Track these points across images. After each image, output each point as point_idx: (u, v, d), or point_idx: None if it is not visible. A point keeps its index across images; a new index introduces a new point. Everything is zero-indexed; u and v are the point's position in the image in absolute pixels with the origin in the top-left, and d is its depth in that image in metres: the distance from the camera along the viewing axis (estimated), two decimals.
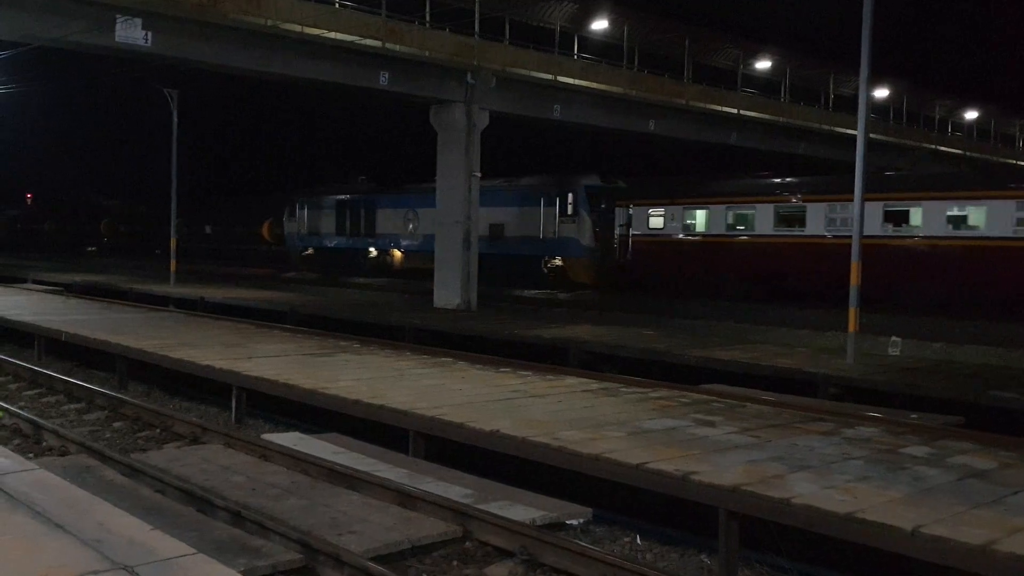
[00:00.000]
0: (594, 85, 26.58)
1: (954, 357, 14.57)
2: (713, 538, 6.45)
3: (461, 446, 8.33)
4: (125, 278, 31.71)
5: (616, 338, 15.55)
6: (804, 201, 24.96)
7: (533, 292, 29.00)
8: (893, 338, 15.20)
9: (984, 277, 21.27)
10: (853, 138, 13.84)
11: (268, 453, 8.30)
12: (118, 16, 18.06)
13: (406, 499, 6.86)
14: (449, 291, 23.30)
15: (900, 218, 23.22)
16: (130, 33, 18.26)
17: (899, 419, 9.29)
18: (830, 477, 6.73)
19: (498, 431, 8.00)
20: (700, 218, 27.52)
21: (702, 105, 30.17)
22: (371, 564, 5.55)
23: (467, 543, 6.36)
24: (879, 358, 13.78)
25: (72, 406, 11.78)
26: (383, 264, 38.46)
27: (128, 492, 7.02)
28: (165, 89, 26.68)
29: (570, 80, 25.82)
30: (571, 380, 11.30)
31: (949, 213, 22.35)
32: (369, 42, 21.24)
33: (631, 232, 28.78)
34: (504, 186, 32.47)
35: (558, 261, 31.54)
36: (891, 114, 39.92)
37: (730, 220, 26.80)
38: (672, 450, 7.44)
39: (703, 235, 27.29)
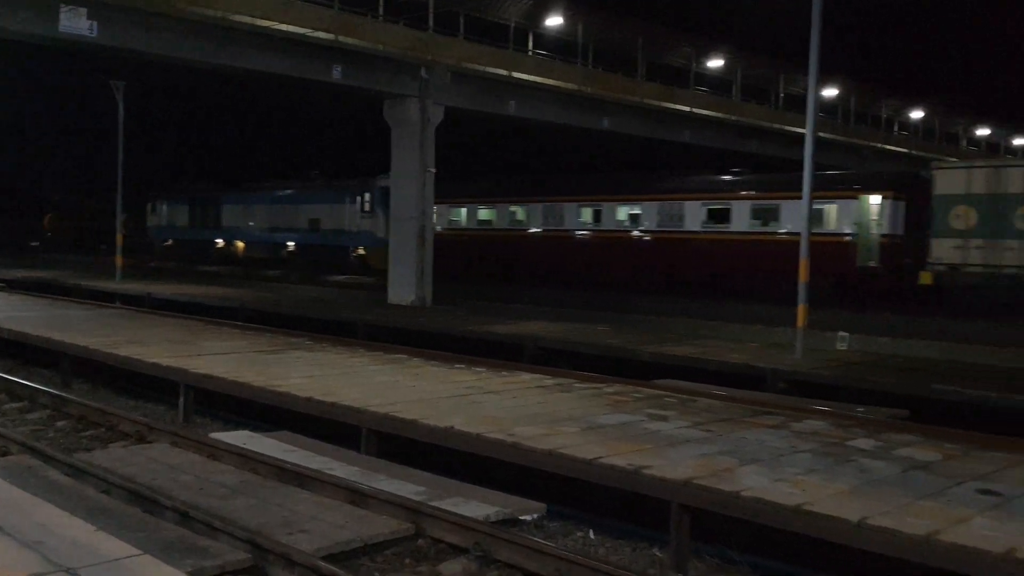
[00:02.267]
0: (549, 81, 26.62)
1: (899, 352, 14.87)
2: (666, 531, 6.50)
3: (415, 443, 8.28)
4: (71, 274, 31.04)
5: (571, 334, 15.61)
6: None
7: (490, 289, 29.19)
8: (841, 333, 15.46)
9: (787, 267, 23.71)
10: (802, 136, 14.03)
11: (216, 452, 8.17)
12: (63, 5, 17.62)
13: (358, 497, 6.80)
14: (403, 287, 23.19)
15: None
16: (75, 23, 17.82)
17: (846, 412, 9.46)
18: (779, 470, 6.82)
19: (452, 428, 7.97)
20: (462, 215, 34.96)
21: (655, 103, 30.38)
22: (322, 563, 5.49)
23: (420, 541, 6.33)
24: (827, 353, 14.01)
25: (13, 405, 11.47)
26: (228, 254, 44.10)
27: (72, 493, 6.86)
28: (112, 81, 26.14)
29: (525, 76, 25.82)
30: (526, 376, 11.31)
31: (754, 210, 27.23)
32: (322, 35, 21.00)
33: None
34: (321, 185, 39.25)
35: (361, 251, 37.03)
36: (839, 113, 40.58)
37: (480, 217, 34.62)
38: (625, 445, 7.48)
39: (461, 229, 34.59)
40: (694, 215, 28.21)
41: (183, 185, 50.59)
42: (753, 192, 27.59)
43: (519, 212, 33.29)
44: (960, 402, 10.55)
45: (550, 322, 17.77)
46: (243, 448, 8.12)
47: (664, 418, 8.78)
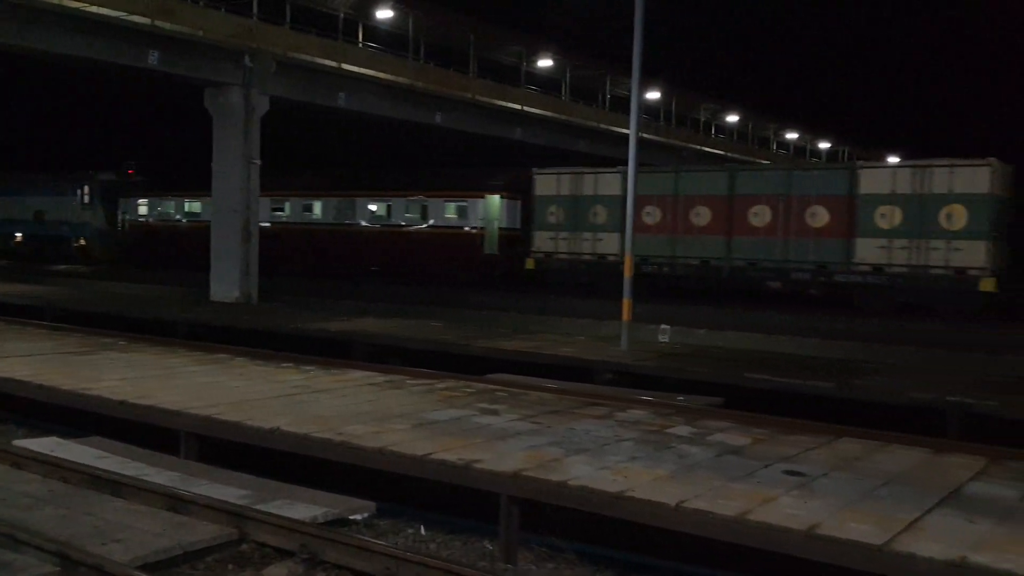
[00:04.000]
0: (380, 75, 26.36)
1: (716, 343, 15.70)
2: (497, 524, 6.57)
3: (239, 446, 8.00)
4: None
5: (402, 330, 15.52)
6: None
7: (310, 284, 28.76)
8: (662, 326, 16.15)
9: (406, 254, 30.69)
10: (627, 136, 14.54)
11: (21, 460, 7.59)
12: None
13: (177, 503, 6.49)
14: (227, 284, 22.36)
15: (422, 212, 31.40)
16: None
17: (667, 401, 9.88)
18: (604, 459, 7.04)
19: (278, 428, 7.75)
20: (143, 208, 39.04)
21: (488, 100, 30.68)
22: (137, 573, 5.21)
23: (244, 545, 6.12)
24: (650, 345, 14.60)
25: None
26: None
27: None
28: None
29: (355, 68, 25.45)
30: (356, 374, 11.15)
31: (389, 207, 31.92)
32: (137, 19, 19.92)
33: (127, 218, 39.01)
34: (46, 179, 40.98)
35: (82, 241, 39.41)
36: (661, 115, 42.32)
37: (165, 210, 38.41)
38: (456, 440, 7.51)
39: (149, 221, 38.72)
40: (399, 211, 31.74)
41: None
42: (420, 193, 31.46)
43: (315, 207, 34.37)
44: (769, 389, 11.24)
45: (382, 318, 17.62)
46: (50, 456, 7.59)
47: (495, 412, 8.88)
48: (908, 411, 10.23)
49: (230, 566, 5.89)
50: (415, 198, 31.04)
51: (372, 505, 6.93)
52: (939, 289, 21.26)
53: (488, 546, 6.78)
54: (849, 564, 5.26)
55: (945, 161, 22.30)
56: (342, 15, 26.40)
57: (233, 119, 22.26)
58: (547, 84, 35.89)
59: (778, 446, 7.77)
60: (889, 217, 21.82)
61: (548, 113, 33.86)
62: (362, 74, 25.72)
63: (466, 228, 29.76)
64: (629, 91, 14.09)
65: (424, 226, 30.78)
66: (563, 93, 35.89)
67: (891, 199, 21.84)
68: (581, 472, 6.57)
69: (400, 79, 26.99)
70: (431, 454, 6.97)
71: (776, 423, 8.74)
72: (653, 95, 39.22)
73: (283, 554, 6.00)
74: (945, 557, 5.00)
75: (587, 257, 26.42)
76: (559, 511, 6.48)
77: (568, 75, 35.61)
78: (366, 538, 6.16)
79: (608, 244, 25.91)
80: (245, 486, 7.10)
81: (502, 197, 29.37)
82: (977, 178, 20.99)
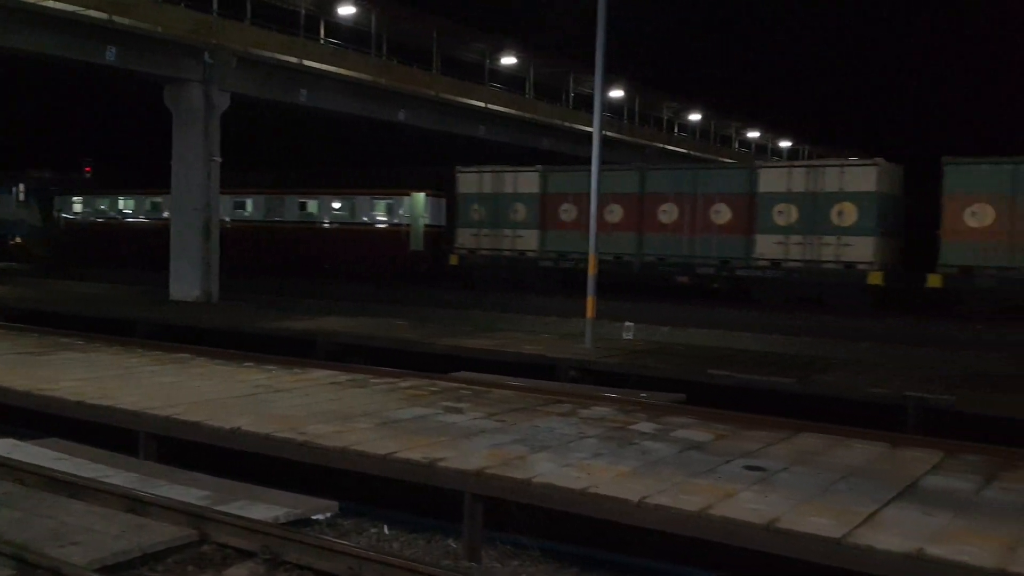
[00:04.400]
0: (342, 71, 26.18)
1: (679, 340, 15.81)
2: (461, 522, 6.57)
3: (200, 446, 7.91)
4: None
5: (366, 329, 15.44)
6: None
7: (272, 282, 28.63)
8: (626, 323, 16.23)
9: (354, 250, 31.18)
10: (591, 134, 14.57)
11: None
12: None
13: (136, 505, 6.41)
14: (187, 283, 22.08)
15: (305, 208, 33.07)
16: None
17: (630, 398, 9.93)
18: (568, 456, 7.07)
19: (239, 428, 7.68)
20: (78, 206, 39.63)
21: (451, 97, 30.60)
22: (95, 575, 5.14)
23: (205, 547, 6.05)
24: (615, 342, 14.66)
25: None
26: None
27: None
28: None
29: (317, 65, 25.25)
30: (319, 373, 11.07)
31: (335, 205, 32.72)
32: (94, 14, 19.57)
33: (63, 216, 39.78)
34: None
35: (18, 239, 39.98)
36: (625, 114, 42.51)
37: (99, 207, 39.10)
38: (420, 438, 7.49)
39: (84, 219, 39.35)
40: (326, 209, 32.57)
41: None
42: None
43: (247, 204, 34.86)
44: (731, 385, 11.34)
45: (345, 317, 17.51)
46: (7, 457, 7.45)
47: (459, 410, 8.87)
48: (867, 406, 10.38)
49: (190, 568, 5.83)
50: (344, 196, 31.77)
51: (335, 505, 6.89)
52: (831, 283, 22.36)
53: (452, 544, 6.77)
54: (808, 557, 5.32)
55: (836, 161, 24.07)
56: (303, 11, 26.18)
57: (193, 116, 21.98)
58: (511, 82, 35.88)
59: (739, 441, 7.85)
60: (786, 214, 22.90)
61: (512, 111, 33.85)
62: (324, 70, 25.53)
63: (389, 226, 30.71)
64: (593, 89, 14.11)
65: (352, 223, 31.54)
66: (527, 91, 35.92)
67: (788, 197, 22.90)
68: (545, 469, 6.59)
69: (362, 76, 26.83)
70: (395, 453, 6.94)
71: (738, 419, 8.82)
72: (617, 93, 39.37)
73: (244, 555, 5.95)
74: (902, 549, 5.08)
75: (507, 253, 27.21)
76: (523, 509, 6.49)
77: (532, 73, 35.63)
78: (329, 538, 6.13)
79: (527, 241, 26.87)
80: (205, 487, 7.03)
81: (427, 195, 30.08)
82: (865, 177, 22.08)
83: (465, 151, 35.02)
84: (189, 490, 6.89)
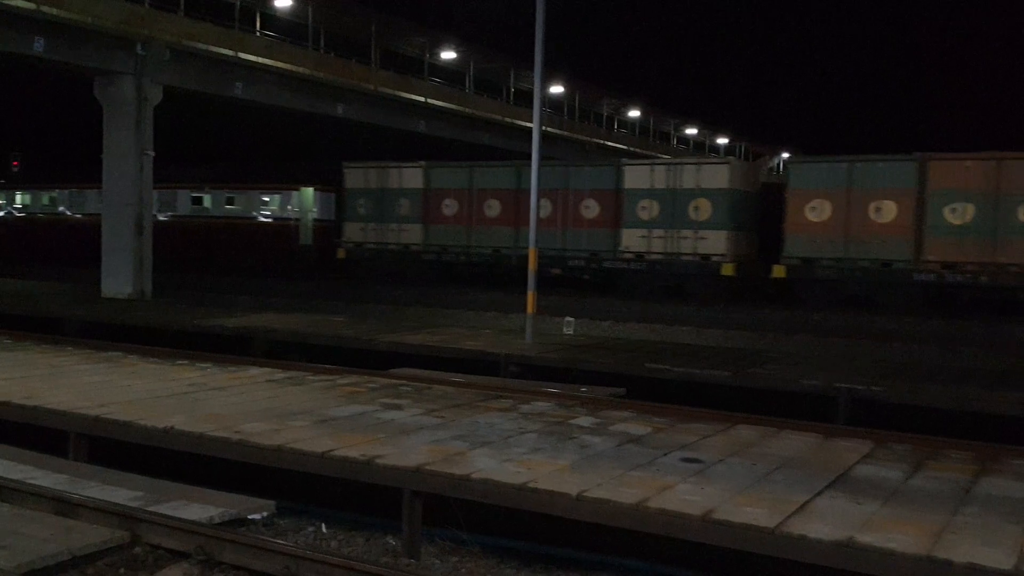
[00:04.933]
0: (279, 64, 25.79)
1: (619, 334, 15.95)
2: (400, 519, 6.53)
3: (131, 447, 7.73)
4: None
5: (304, 326, 15.26)
6: None
7: (206, 279, 28.20)
8: (567, 318, 16.31)
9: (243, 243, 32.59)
10: (531, 130, 14.60)
11: None
12: None
13: (65, 507, 6.23)
14: (119, 279, 21.57)
15: (199, 201, 34.40)
16: None
17: (570, 393, 9.98)
18: (508, 451, 7.07)
19: (172, 428, 7.52)
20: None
21: (390, 91, 30.36)
22: None
23: (137, 548, 5.91)
24: (555, 337, 14.72)
25: None
26: None
27: None
28: None
29: (253, 57, 24.84)
30: (255, 371, 10.90)
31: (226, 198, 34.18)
32: (21, 3, 18.95)
33: None
34: None
35: None
36: (565, 110, 42.69)
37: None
38: (359, 436, 7.43)
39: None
40: (218, 203, 33.75)
41: None
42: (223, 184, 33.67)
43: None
44: (669, 379, 11.47)
45: (282, 313, 17.28)
46: None
47: (399, 407, 8.81)
48: (800, 397, 10.60)
49: (122, 570, 5.69)
50: (236, 190, 32.34)
51: (272, 504, 6.79)
52: (689, 274, 23.86)
53: (391, 542, 6.73)
54: (744, 547, 5.41)
55: (693, 160, 25.85)
56: (239, 3, 25.72)
57: (125, 109, 21.46)
58: (451, 77, 35.75)
59: (677, 434, 7.94)
60: (649, 210, 24.32)
61: (452, 106, 33.74)
62: (260, 63, 25.13)
63: (278, 220, 31.53)
64: (532, 84, 14.14)
65: (242, 218, 32.42)
66: (467, 86, 35.83)
67: (650, 194, 24.29)
68: (485, 465, 6.58)
69: (299, 69, 26.48)
70: (332, 451, 6.87)
71: (675, 412, 8.93)
72: (557, 89, 39.50)
73: (178, 556, 5.83)
74: (833, 538, 5.19)
75: (392, 247, 28.24)
76: (463, 505, 6.48)
77: (472, 68, 35.55)
78: (264, 537, 6.03)
79: (412, 235, 27.91)
80: (138, 487, 6.87)
81: (316, 189, 30.76)
82: (719, 175, 23.65)
83: (405, 146, 34.86)
84: (121, 491, 6.72)
